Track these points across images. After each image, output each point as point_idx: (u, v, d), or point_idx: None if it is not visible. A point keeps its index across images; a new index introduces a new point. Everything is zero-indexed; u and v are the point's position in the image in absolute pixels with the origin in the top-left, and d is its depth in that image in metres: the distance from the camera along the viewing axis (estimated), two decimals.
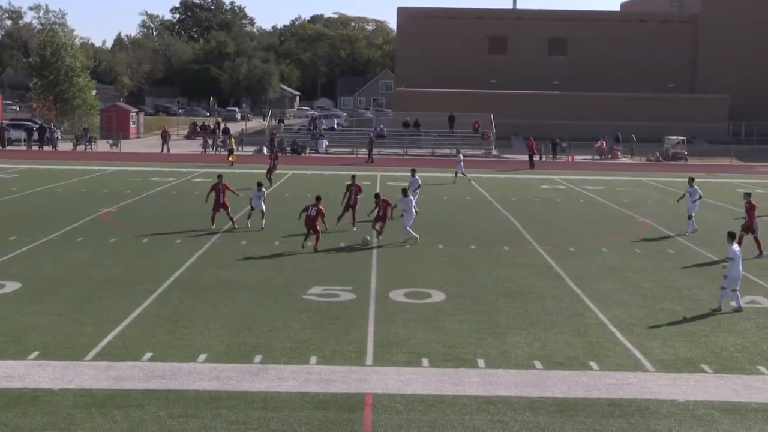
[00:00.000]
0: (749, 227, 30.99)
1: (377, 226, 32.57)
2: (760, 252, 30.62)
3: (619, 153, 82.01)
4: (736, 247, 23.02)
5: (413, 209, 33.25)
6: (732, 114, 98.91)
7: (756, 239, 30.98)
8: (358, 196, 35.44)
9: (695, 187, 36.43)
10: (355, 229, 34.15)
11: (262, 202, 34.49)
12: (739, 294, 22.86)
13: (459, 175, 56.10)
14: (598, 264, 28.94)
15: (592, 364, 18.15)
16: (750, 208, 31.37)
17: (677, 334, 20.49)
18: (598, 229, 36.86)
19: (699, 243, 33.19)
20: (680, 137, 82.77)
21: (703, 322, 21.72)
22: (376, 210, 32.61)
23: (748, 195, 32.28)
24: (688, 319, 21.94)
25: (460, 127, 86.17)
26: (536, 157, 71.81)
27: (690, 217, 35.92)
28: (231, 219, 34.33)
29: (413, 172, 41.74)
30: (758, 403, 16.15)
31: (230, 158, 65.99)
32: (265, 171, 50.34)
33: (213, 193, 34.53)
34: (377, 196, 33.29)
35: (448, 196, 47.38)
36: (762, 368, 18.15)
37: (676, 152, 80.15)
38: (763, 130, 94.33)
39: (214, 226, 33.94)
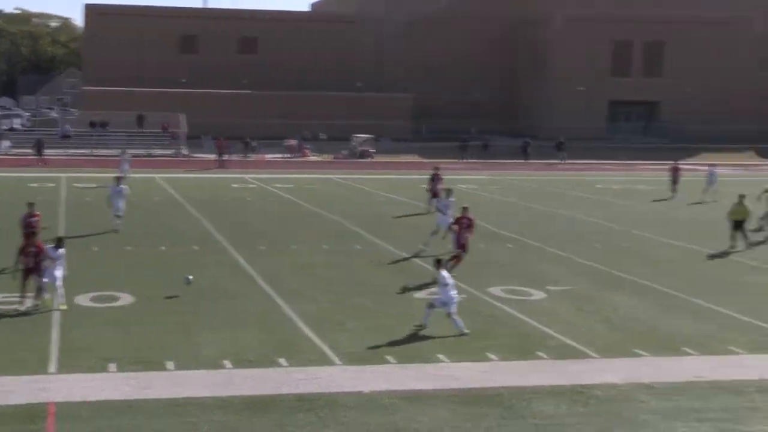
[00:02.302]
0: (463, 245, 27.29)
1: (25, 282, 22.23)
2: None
3: (308, 151, 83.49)
4: (444, 272, 21.08)
5: None
6: (414, 113, 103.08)
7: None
8: None
9: (452, 198, 33.10)
10: None
11: None
12: (458, 318, 20.85)
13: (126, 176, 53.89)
14: (289, 261, 29.30)
15: (282, 360, 18.37)
16: (470, 225, 27.75)
17: (365, 328, 21.11)
18: (289, 227, 37.27)
19: (385, 238, 34.30)
20: (368, 135, 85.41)
21: (389, 315, 22.46)
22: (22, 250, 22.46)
23: (466, 209, 28.23)
24: (375, 313, 22.67)
25: (150, 126, 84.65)
26: (225, 156, 71.67)
27: (435, 233, 31.75)
28: None
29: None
30: (434, 389, 16.97)
31: None
32: None
33: None
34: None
35: (137, 198, 46.24)
36: (441, 356, 19.04)
37: (364, 150, 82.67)
38: (441, 128, 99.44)
39: None
